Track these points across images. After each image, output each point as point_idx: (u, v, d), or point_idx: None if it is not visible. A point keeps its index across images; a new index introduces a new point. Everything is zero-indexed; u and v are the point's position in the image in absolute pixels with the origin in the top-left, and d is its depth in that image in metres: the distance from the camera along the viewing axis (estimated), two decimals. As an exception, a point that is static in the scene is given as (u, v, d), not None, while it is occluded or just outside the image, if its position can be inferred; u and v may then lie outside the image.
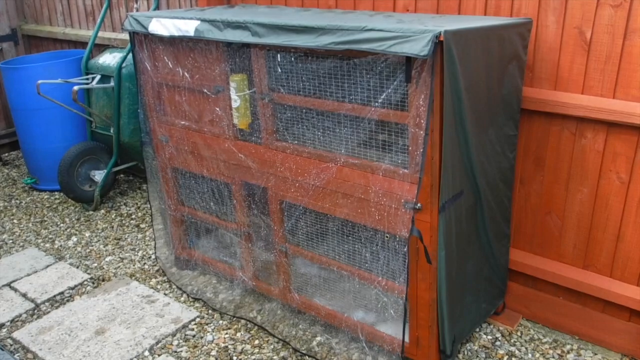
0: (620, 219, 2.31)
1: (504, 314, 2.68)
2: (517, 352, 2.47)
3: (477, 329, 2.62)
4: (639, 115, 2.12)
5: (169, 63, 2.65)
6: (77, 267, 3.25)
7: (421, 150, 1.91)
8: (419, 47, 1.75)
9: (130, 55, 3.66)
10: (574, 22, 2.22)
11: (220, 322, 2.73)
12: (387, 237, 2.20)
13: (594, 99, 2.23)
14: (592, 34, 2.19)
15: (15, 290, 3.05)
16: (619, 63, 2.16)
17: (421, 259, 2.07)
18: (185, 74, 2.59)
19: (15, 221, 3.86)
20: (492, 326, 2.64)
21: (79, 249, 3.47)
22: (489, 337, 2.57)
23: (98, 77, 3.82)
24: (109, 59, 3.83)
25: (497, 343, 2.53)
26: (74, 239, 3.59)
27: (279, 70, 2.27)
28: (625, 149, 2.23)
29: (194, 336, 2.64)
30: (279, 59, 2.24)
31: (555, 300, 2.58)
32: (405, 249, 2.17)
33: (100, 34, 4.39)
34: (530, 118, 2.42)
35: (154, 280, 3.10)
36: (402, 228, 2.08)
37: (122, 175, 4.54)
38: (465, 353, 2.47)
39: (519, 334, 2.59)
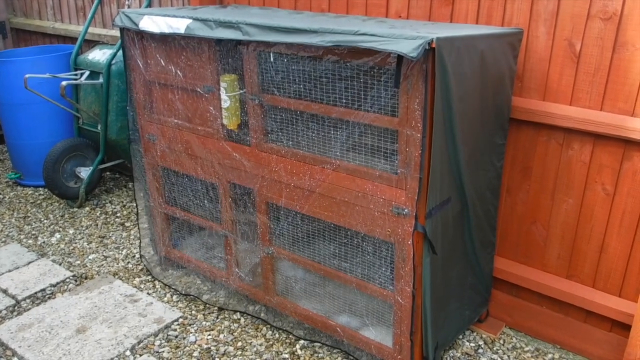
0: (605, 230, 2.33)
1: (487, 322, 2.70)
2: (499, 360, 2.49)
3: (460, 336, 2.62)
4: (626, 128, 2.14)
5: (161, 61, 2.63)
6: (60, 264, 3.22)
7: (419, 152, 1.91)
8: (409, 48, 1.76)
9: (119, 52, 3.64)
10: (564, 33, 2.24)
11: (204, 323, 2.70)
12: (381, 240, 2.20)
13: (582, 111, 2.25)
14: (582, 46, 2.21)
15: (-4, 286, 3.01)
16: (607, 76, 2.18)
17: (406, 266, 2.07)
18: (178, 72, 2.58)
19: (-3, 216, 3.81)
20: (475, 333, 2.65)
21: (62, 245, 3.43)
22: (472, 344, 2.58)
23: (87, 73, 3.79)
24: (98, 55, 3.80)
25: (480, 351, 2.54)
26: (58, 235, 3.55)
27: (271, 73, 2.26)
28: (611, 161, 2.25)
29: (176, 337, 2.61)
30: (271, 60, 2.24)
31: (538, 309, 2.59)
32: (393, 254, 2.17)
33: (90, 29, 4.36)
34: (519, 128, 2.44)
35: (137, 279, 3.07)
36: (393, 232, 2.08)
37: (108, 173, 4.50)
38: (448, 360, 2.48)
39: (501, 342, 2.60)
